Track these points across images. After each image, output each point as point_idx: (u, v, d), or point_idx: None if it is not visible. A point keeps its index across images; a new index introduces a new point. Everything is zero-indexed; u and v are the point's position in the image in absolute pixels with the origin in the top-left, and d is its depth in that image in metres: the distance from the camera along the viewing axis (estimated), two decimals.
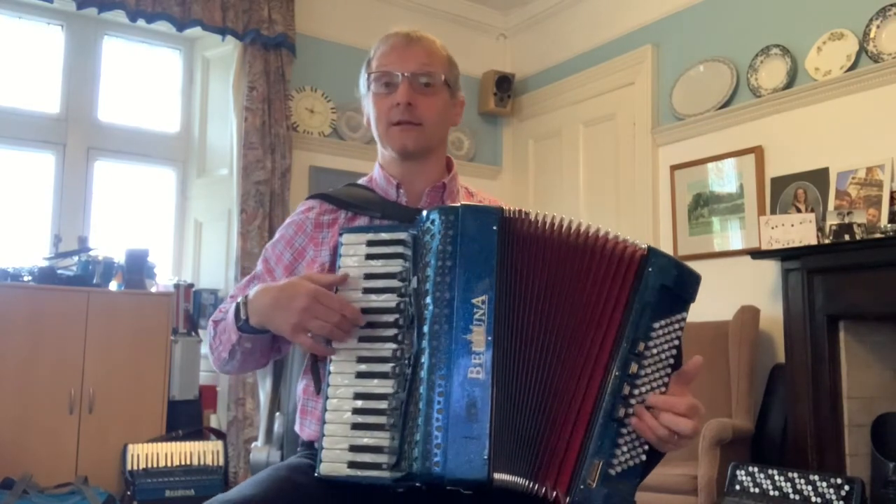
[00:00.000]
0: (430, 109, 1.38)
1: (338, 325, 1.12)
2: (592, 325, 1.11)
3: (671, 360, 1.10)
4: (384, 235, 1.16)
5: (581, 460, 1.06)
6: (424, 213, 1.14)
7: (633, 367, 1.08)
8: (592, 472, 1.06)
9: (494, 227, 1.10)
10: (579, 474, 1.06)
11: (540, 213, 1.14)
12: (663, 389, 1.10)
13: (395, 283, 1.13)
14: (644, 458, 1.09)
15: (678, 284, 1.11)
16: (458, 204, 1.13)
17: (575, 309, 1.11)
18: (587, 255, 1.12)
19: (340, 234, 1.20)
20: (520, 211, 1.14)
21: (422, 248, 1.12)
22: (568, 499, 1.05)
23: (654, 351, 1.09)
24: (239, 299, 1.26)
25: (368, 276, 1.15)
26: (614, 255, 1.12)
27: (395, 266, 1.14)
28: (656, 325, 1.09)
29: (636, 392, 1.08)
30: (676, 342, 1.10)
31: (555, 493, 1.06)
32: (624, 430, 1.07)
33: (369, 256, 1.16)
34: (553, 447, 1.08)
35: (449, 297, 1.08)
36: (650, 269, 1.10)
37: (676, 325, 1.10)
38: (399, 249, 1.14)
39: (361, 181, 1.48)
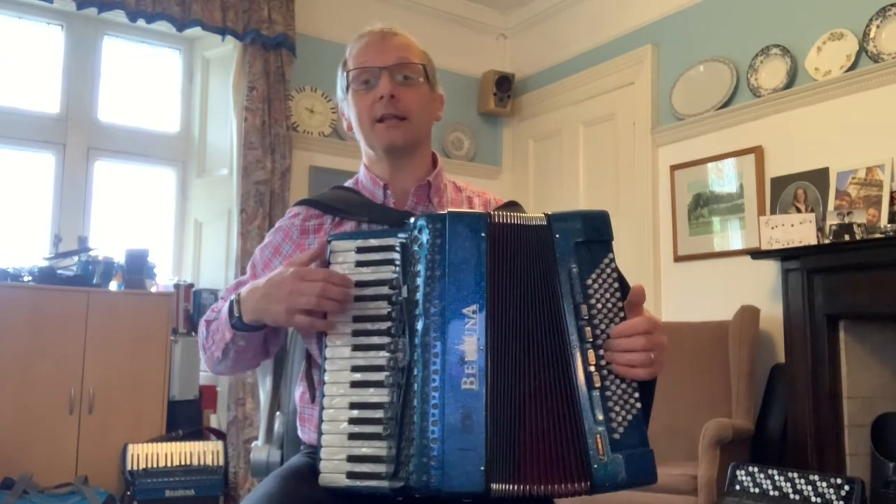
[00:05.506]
0: (414, 102, 1.35)
1: (323, 294, 1.11)
2: (554, 314, 1.09)
3: (619, 304, 1.09)
4: (373, 242, 1.15)
5: (582, 446, 1.04)
6: (412, 220, 1.13)
7: (588, 332, 1.07)
8: (598, 447, 1.04)
9: (483, 234, 1.09)
10: (586, 460, 1.03)
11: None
12: None
13: (385, 290, 1.12)
14: (639, 404, 1.07)
15: (589, 233, 1.10)
16: (446, 211, 1.11)
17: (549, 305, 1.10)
18: None
19: (329, 242, 1.18)
20: (509, 215, 1.12)
21: (411, 257, 1.11)
22: (588, 483, 1.03)
23: (599, 306, 1.08)
24: (232, 297, 1.26)
25: (359, 284, 1.14)
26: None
27: (386, 273, 1.13)
28: (589, 281, 1.08)
29: (601, 353, 1.07)
30: (616, 285, 1.09)
31: (574, 487, 1.05)
32: (609, 393, 1.06)
33: (359, 263, 1.15)
34: (550, 446, 1.06)
35: (439, 307, 1.07)
36: (557, 236, 1.09)
37: (609, 270, 1.09)
38: (389, 255, 1.13)
39: (348, 183, 1.47)
